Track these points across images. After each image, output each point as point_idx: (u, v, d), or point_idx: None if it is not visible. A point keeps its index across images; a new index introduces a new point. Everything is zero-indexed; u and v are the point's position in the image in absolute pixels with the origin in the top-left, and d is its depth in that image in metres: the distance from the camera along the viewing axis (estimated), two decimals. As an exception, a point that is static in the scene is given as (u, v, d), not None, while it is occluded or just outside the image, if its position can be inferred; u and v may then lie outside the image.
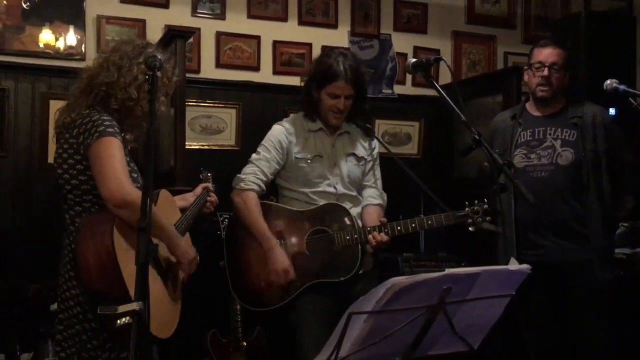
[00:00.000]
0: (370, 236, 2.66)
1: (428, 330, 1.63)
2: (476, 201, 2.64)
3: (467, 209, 2.63)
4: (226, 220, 3.57)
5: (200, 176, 2.86)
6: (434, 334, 1.65)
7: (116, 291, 1.84)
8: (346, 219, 2.72)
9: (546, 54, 2.99)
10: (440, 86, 2.35)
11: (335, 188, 2.81)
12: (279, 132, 2.83)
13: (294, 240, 2.75)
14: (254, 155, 2.84)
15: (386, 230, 2.66)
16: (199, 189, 2.64)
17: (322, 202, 2.76)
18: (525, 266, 1.68)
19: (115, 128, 2.03)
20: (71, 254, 2.02)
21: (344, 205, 2.76)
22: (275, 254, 2.68)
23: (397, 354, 1.67)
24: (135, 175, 2.11)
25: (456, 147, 4.10)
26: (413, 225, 2.65)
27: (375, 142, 2.96)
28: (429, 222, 2.65)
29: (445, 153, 4.27)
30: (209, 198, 2.65)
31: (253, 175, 2.78)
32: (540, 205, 2.88)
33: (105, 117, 2.04)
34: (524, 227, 2.96)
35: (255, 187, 2.77)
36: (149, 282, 1.80)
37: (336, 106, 2.76)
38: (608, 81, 2.65)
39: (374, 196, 2.89)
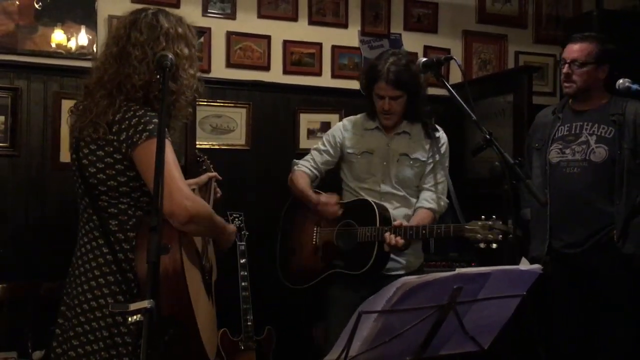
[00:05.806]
0: (386, 236, 2.64)
1: (438, 330, 1.62)
2: (493, 216, 2.42)
3: (479, 222, 2.44)
4: (236, 219, 3.59)
5: (198, 158, 2.76)
6: (444, 333, 1.65)
7: (183, 314, 1.64)
8: (372, 217, 2.73)
9: (568, 50, 2.96)
10: (450, 85, 2.34)
11: (379, 186, 2.84)
12: (337, 127, 3.04)
13: (327, 229, 2.91)
14: (314, 146, 3.10)
15: (401, 234, 2.64)
16: (204, 178, 2.39)
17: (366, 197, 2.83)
18: (536, 266, 1.67)
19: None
20: (114, 265, 1.78)
21: (383, 203, 2.79)
22: (323, 202, 2.85)
23: (407, 354, 1.67)
24: None
25: (467, 146, 4.08)
26: (424, 231, 2.62)
27: (441, 145, 2.87)
28: (439, 230, 2.59)
29: (456, 152, 4.24)
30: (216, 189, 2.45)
31: (305, 161, 3.04)
32: (569, 202, 2.84)
33: (152, 114, 1.79)
34: (551, 220, 2.93)
35: (305, 169, 3.00)
36: (195, 302, 1.73)
37: (382, 107, 2.79)
38: (620, 80, 2.64)
39: (427, 199, 2.84)
